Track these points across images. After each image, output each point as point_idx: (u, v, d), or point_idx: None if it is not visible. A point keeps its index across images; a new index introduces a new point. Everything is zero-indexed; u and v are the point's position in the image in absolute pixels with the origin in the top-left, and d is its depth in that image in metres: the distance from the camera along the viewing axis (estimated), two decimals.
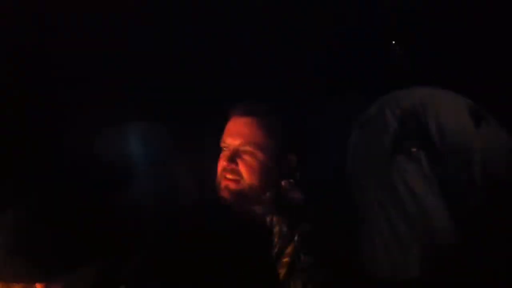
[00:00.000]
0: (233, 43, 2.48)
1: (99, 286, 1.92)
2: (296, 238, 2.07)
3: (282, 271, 2.04)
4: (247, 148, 2.19)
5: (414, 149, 2.06)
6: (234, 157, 2.19)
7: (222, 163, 2.22)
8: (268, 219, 2.11)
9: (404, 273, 1.98)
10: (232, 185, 2.18)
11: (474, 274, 1.95)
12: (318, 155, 2.24)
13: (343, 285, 2.02)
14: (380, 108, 2.13)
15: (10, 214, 1.87)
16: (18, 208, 1.91)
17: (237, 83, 2.45)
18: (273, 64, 2.44)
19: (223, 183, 2.19)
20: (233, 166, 2.18)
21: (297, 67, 2.42)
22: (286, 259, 2.05)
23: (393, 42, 2.30)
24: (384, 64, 2.38)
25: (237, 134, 2.23)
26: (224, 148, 2.25)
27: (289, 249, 2.06)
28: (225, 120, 2.29)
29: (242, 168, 2.18)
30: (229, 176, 2.19)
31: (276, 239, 2.08)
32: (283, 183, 2.19)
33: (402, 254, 2.00)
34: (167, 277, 1.97)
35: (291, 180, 2.19)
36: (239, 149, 2.20)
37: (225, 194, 2.17)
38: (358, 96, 2.26)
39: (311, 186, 2.19)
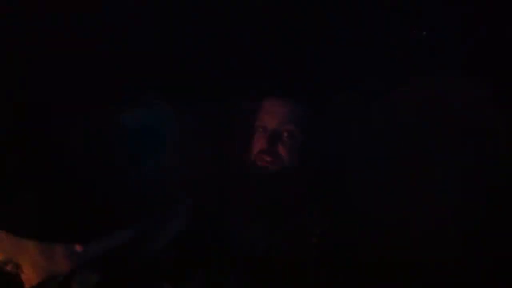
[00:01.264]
0: (236, 42, 2.47)
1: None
2: (323, 222, 2.08)
3: (307, 252, 2.04)
4: (286, 128, 2.17)
5: (436, 135, 2.06)
6: (273, 138, 2.16)
7: (259, 144, 2.20)
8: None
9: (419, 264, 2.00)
10: (270, 167, 2.16)
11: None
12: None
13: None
14: (402, 94, 2.12)
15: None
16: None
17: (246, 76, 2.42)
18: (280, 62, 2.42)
19: (260, 164, 2.18)
20: (271, 147, 2.17)
21: (301, 66, 2.40)
22: (314, 240, 2.05)
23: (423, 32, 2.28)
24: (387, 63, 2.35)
25: (276, 114, 2.20)
26: (260, 129, 2.22)
27: (317, 231, 2.05)
28: (253, 102, 2.29)
29: (281, 150, 2.17)
30: (267, 158, 2.17)
31: (306, 222, 2.08)
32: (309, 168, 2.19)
33: (418, 243, 2.02)
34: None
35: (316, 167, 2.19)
36: (277, 130, 2.18)
37: (261, 175, 2.16)
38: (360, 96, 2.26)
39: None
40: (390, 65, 2.36)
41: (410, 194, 2.10)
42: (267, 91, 2.30)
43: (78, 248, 1.81)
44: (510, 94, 2.18)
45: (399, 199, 2.09)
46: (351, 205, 2.08)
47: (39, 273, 1.77)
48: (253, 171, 2.18)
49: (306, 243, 2.05)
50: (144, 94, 2.37)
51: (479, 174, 2.07)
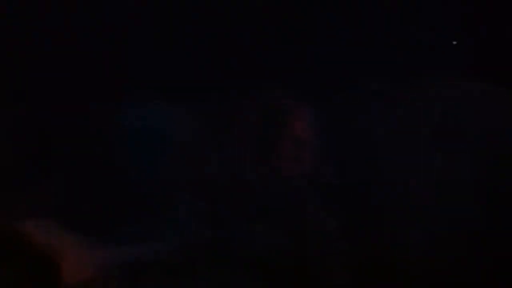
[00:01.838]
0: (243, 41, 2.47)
1: None
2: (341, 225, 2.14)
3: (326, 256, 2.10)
4: (311, 135, 2.28)
5: (448, 136, 2.08)
6: (298, 145, 2.27)
7: (286, 150, 2.29)
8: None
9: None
10: (295, 170, 2.24)
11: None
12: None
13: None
14: (418, 97, 2.13)
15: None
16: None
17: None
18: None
19: (285, 168, 2.26)
20: (296, 154, 2.26)
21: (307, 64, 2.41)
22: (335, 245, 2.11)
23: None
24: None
25: (302, 121, 2.31)
26: (286, 136, 2.30)
27: (338, 235, 2.12)
28: (255, 102, 2.35)
29: (305, 156, 2.26)
30: (292, 164, 2.26)
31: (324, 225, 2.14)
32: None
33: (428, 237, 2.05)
34: None
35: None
36: (303, 137, 2.29)
37: (286, 179, 2.24)
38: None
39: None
40: (391, 65, 2.36)
41: (412, 194, 2.12)
42: (268, 91, 2.32)
43: (107, 253, 1.85)
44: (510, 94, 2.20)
45: (403, 199, 2.11)
46: (366, 207, 2.11)
47: (81, 269, 1.81)
48: (276, 176, 2.25)
49: (327, 248, 2.09)
50: (144, 94, 2.36)
51: (480, 174, 2.08)
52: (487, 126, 2.15)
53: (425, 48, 2.39)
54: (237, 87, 2.43)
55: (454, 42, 2.36)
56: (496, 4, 2.41)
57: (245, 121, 2.34)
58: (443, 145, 2.14)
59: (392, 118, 2.21)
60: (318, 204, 2.15)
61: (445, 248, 2.06)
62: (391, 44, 2.38)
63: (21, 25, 2.32)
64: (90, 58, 2.40)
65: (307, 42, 2.46)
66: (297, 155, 2.25)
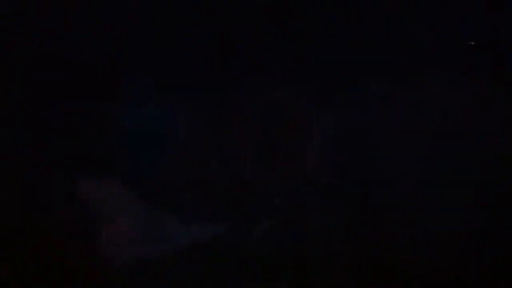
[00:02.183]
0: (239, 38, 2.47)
1: None
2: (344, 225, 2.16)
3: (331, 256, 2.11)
4: (316, 135, 2.28)
5: (448, 136, 2.10)
6: (298, 144, 2.27)
7: (286, 150, 2.29)
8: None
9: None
10: (295, 170, 2.25)
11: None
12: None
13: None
14: (418, 97, 2.16)
15: None
16: None
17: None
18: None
19: (285, 168, 2.26)
20: (297, 152, 2.27)
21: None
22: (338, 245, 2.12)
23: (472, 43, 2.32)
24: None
25: (300, 121, 2.31)
26: (285, 134, 2.31)
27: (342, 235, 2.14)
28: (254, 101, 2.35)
29: (306, 154, 2.27)
30: (291, 163, 2.26)
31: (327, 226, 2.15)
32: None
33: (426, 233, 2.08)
34: None
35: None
36: (303, 136, 2.29)
37: (286, 179, 2.24)
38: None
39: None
40: (391, 65, 2.36)
41: (412, 194, 2.12)
42: (268, 91, 2.32)
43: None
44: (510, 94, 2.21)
45: (403, 199, 2.12)
46: (366, 207, 2.12)
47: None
48: (276, 176, 2.24)
49: (327, 248, 2.09)
50: (144, 94, 2.37)
51: (481, 174, 2.09)
52: (487, 126, 2.16)
53: (425, 48, 2.39)
54: (237, 87, 2.43)
55: (472, 43, 2.36)
56: (496, 4, 2.42)
57: (245, 121, 2.33)
58: (443, 145, 2.14)
59: (392, 118, 2.21)
60: (318, 204, 2.15)
61: (445, 248, 2.06)
62: (391, 44, 2.38)
63: (21, 25, 2.33)
64: (89, 58, 2.40)
65: (307, 42, 2.46)
66: (297, 155, 2.24)
